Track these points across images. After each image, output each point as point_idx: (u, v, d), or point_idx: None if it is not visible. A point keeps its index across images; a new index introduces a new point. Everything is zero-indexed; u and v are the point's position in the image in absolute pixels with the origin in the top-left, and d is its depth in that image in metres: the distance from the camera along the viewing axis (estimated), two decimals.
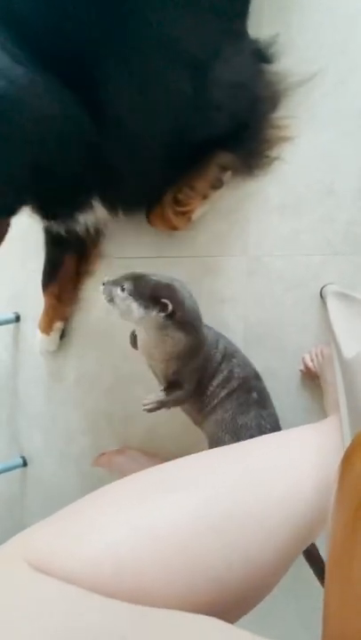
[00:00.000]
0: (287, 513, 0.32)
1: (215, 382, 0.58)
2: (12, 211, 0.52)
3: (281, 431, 0.45)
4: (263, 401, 0.59)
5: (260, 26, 0.61)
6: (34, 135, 0.44)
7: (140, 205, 0.65)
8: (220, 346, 0.60)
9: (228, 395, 0.58)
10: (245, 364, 0.61)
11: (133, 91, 0.49)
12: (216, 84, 0.54)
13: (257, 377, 0.61)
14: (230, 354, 0.60)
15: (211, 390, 0.58)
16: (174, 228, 0.68)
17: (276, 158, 0.63)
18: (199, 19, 0.51)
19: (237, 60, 0.56)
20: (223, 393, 0.58)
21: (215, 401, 0.58)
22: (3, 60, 0.41)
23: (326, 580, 0.24)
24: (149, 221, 0.68)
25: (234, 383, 0.58)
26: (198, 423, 0.63)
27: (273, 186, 0.64)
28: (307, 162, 0.62)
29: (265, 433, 0.56)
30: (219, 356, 0.59)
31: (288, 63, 0.60)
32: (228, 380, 0.58)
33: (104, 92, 0.47)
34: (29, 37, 0.43)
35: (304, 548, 0.34)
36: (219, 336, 0.62)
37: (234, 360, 0.60)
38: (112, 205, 0.60)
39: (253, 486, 0.32)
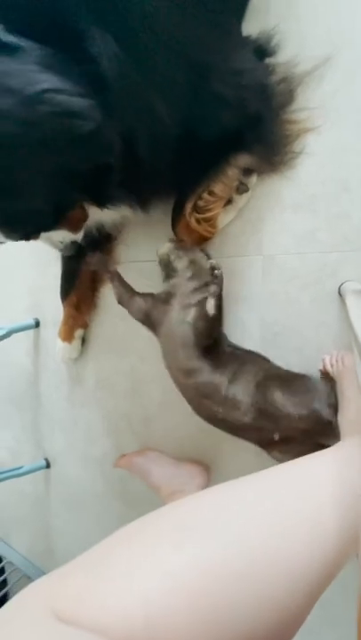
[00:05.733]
0: (312, 554, 0.31)
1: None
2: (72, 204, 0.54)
3: (295, 461, 0.43)
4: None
5: (266, 19, 0.60)
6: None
7: (156, 203, 0.64)
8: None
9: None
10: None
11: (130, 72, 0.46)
12: (219, 79, 0.52)
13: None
14: None
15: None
16: (202, 239, 0.67)
17: (300, 153, 0.61)
18: (196, 14, 0.49)
19: (239, 54, 0.55)
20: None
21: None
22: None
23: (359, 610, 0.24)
24: (176, 234, 0.67)
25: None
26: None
27: (286, 184, 0.63)
28: (319, 158, 0.61)
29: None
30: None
31: (297, 55, 0.59)
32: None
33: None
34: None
35: (330, 582, 0.33)
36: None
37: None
38: (139, 199, 0.59)
39: (277, 531, 0.31)
